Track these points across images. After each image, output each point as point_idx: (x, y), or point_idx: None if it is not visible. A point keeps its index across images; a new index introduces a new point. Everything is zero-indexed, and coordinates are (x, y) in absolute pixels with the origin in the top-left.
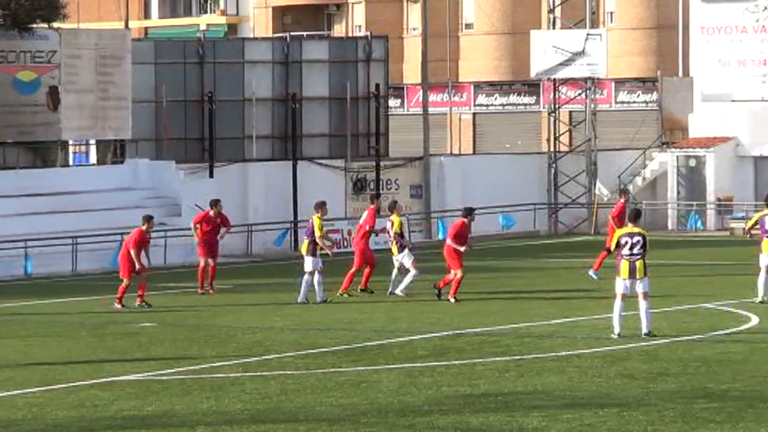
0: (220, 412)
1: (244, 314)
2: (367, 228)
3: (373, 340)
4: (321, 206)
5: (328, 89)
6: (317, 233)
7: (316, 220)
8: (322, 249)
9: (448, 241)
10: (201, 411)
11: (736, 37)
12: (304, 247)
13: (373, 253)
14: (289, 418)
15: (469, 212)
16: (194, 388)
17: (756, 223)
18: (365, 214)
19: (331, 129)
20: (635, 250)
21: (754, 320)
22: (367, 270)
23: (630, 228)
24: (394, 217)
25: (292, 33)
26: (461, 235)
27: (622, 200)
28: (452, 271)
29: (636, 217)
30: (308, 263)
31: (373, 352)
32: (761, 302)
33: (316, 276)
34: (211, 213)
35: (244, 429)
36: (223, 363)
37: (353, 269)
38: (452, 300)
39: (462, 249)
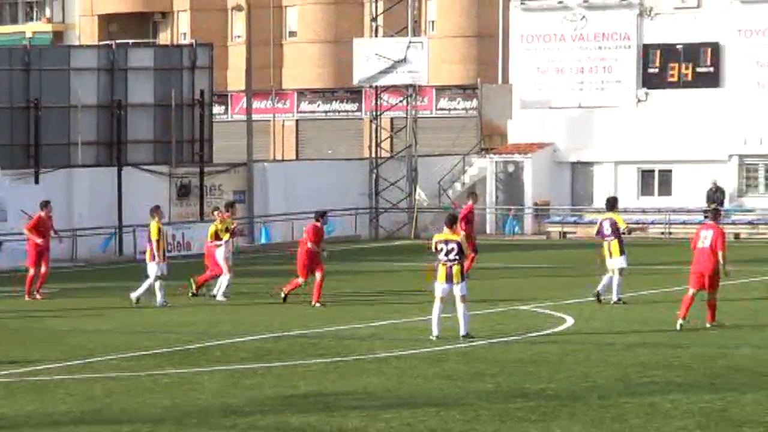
0: (46, 414)
1: (69, 318)
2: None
3: (196, 342)
4: (155, 210)
5: (153, 96)
6: (153, 237)
7: (152, 226)
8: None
9: (309, 245)
10: (26, 413)
11: (555, 45)
12: (147, 254)
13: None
14: (113, 420)
15: (321, 215)
16: (19, 391)
17: (600, 227)
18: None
19: (155, 135)
20: (451, 256)
21: (569, 321)
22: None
23: (446, 234)
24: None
25: (117, 41)
26: (318, 238)
27: (471, 202)
28: (317, 274)
29: (452, 222)
30: (150, 269)
31: (195, 355)
32: (617, 302)
33: (157, 281)
34: (42, 214)
35: (69, 431)
36: (48, 366)
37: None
38: (317, 304)
39: (320, 250)
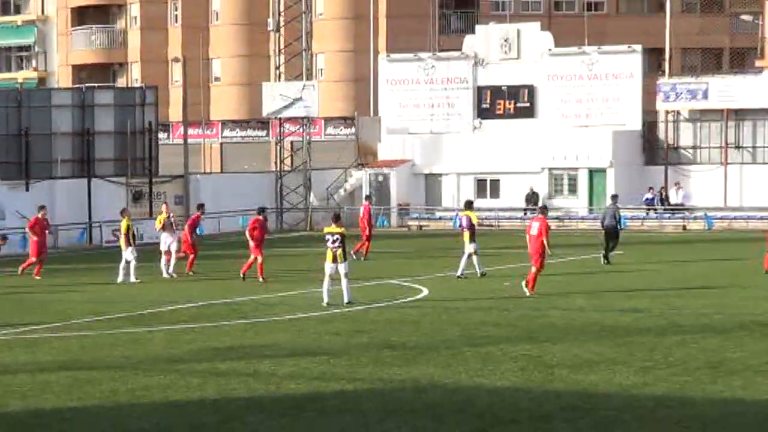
0: (35, 363)
1: (53, 292)
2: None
3: (148, 309)
4: (123, 211)
5: (114, 126)
6: (123, 231)
7: (123, 223)
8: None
9: (256, 233)
10: (20, 362)
11: (412, 87)
12: (121, 243)
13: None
14: (87, 367)
15: (262, 210)
16: (15, 345)
17: (460, 221)
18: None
19: (116, 155)
20: (336, 244)
21: (425, 291)
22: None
23: (332, 228)
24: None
25: (86, 84)
26: (262, 228)
27: (367, 203)
28: (256, 257)
29: (336, 219)
30: (126, 253)
31: (148, 318)
32: (459, 277)
33: (132, 263)
34: (40, 215)
35: (53, 375)
36: (36, 327)
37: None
38: (261, 280)
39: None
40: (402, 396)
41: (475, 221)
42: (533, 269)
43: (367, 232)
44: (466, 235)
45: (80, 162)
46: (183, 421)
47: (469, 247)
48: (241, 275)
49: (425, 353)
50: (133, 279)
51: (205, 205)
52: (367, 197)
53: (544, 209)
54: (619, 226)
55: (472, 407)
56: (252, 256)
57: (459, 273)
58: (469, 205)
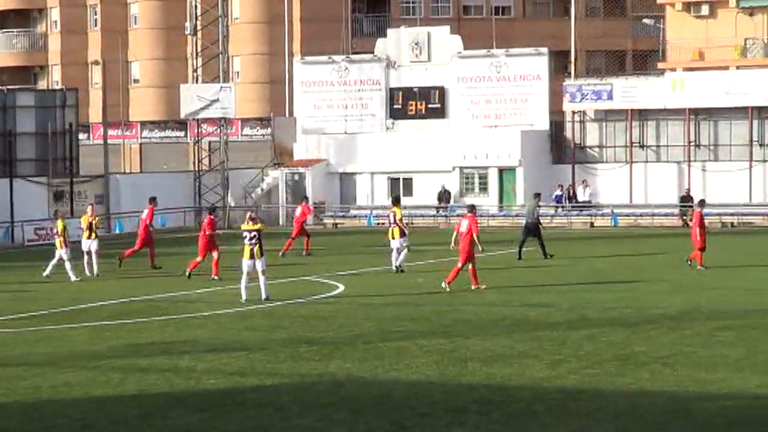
0: None
1: None
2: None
3: (70, 306)
4: (56, 213)
5: (35, 127)
6: (60, 231)
7: (59, 223)
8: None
9: (208, 232)
10: None
11: (326, 88)
12: (57, 243)
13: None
14: (9, 363)
15: (212, 210)
16: None
17: (388, 217)
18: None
19: (38, 155)
20: (253, 241)
21: (341, 288)
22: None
23: (249, 225)
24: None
25: (8, 87)
26: (214, 227)
27: (304, 203)
28: (198, 257)
29: (252, 218)
30: (62, 253)
31: (69, 315)
32: (397, 271)
33: (67, 263)
34: None
35: None
36: None
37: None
38: (216, 278)
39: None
40: (320, 390)
41: (398, 217)
42: (459, 264)
43: (295, 232)
44: (396, 230)
45: (2, 162)
46: (104, 416)
47: (395, 242)
48: (187, 274)
49: (342, 348)
50: (73, 277)
51: (124, 203)
52: (304, 198)
53: (473, 208)
54: (538, 223)
55: (389, 401)
56: (200, 257)
57: (396, 265)
58: (395, 200)
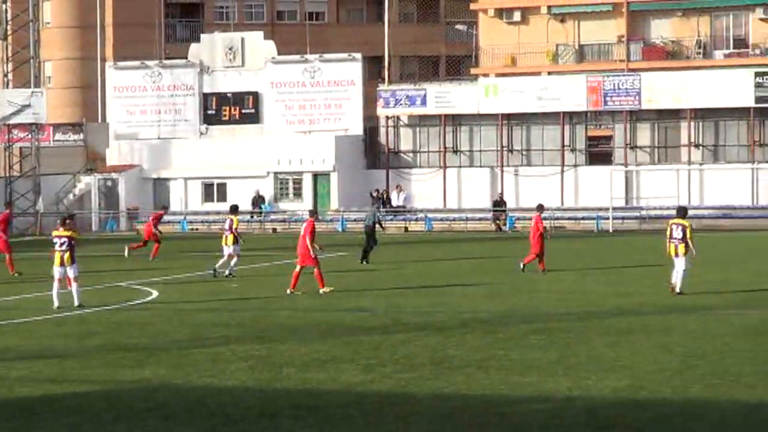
0: None
1: None
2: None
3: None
4: None
5: None
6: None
7: None
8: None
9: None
10: None
11: (139, 94)
12: None
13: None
14: None
15: (164, 208)
16: None
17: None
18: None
19: None
20: (63, 247)
21: (155, 294)
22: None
23: (60, 231)
24: None
25: None
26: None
27: (162, 212)
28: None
29: (63, 222)
30: None
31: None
32: (228, 275)
33: None
34: None
35: None
36: None
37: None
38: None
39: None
40: (134, 396)
41: (235, 226)
42: (297, 268)
43: (153, 236)
44: (230, 237)
45: None
46: None
47: (228, 249)
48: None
49: (156, 354)
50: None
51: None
52: (164, 207)
53: (313, 213)
54: (376, 228)
55: (203, 407)
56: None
57: (227, 272)
58: (234, 209)
